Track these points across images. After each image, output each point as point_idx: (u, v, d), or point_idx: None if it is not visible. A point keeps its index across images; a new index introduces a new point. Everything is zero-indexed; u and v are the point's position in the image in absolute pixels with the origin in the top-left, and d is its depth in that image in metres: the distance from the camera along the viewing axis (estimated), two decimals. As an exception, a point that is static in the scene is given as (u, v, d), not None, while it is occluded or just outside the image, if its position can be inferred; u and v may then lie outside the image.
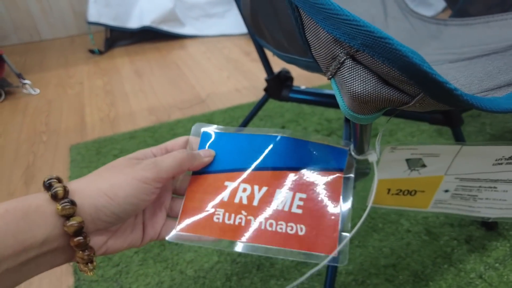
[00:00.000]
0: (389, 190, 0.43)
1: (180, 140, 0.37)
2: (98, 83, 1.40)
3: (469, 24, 0.64)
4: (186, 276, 0.65)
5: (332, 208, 0.36)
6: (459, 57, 0.55)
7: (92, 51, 1.65)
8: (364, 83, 0.20)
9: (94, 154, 0.97)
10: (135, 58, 1.60)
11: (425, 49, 0.63)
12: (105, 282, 0.64)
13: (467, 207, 0.43)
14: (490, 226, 0.73)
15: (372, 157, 0.38)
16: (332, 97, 0.68)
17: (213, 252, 0.68)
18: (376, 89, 0.20)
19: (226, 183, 0.37)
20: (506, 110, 0.19)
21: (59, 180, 0.27)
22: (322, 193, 0.37)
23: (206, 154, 0.37)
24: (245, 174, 0.37)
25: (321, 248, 0.34)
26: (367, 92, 0.20)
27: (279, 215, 0.35)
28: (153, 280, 0.64)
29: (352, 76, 0.20)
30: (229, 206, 0.35)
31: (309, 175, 0.37)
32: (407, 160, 0.39)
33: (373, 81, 0.20)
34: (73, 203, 0.25)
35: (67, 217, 0.25)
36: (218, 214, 0.35)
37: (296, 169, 0.38)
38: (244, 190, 0.36)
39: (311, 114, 1.10)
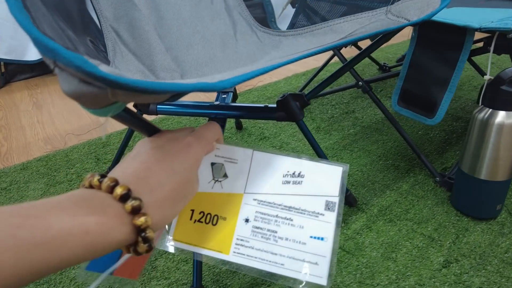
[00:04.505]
0: (192, 212, 0.39)
1: None
2: (-8, 119, 1.35)
3: (300, 34, 0.75)
4: (68, 293, 0.66)
5: None
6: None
7: (-15, 88, 1.58)
8: (69, 83, 0.26)
9: (-19, 190, 0.94)
10: (36, 91, 1.56)
11: (267, 57, 0.73)
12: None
13: (270, 254, 0.37)
14: (350, 203, 0.84)
15: None
16: (196, 107, 0.75)
17: (97, 266, 0.71)
18: (79, 87, 0.26)
19: None
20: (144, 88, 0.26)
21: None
22: None
23: None
24: None
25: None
26: (72, 90, 0.26)
27: None
28: (33, 303, 0.65)
29: (61, 79, 0.26)
30: None
31: None
32: (212, 165, 0.40)
33: (75, 81, 0.26)
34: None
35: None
36: None
37: None
38: None
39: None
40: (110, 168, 0.92)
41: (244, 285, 0.66)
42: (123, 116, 0.35)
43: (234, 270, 0.69)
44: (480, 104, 0.72)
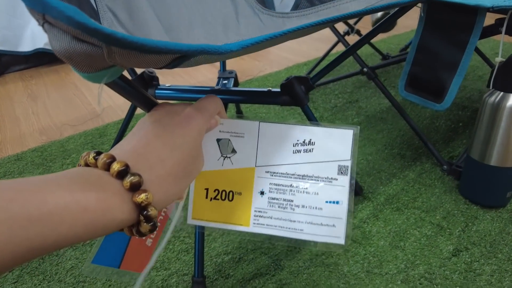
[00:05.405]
0: (207, 191, 0.40)
1: None
2: (-14, 111, 1.31)
3: (304, 15, 0.72)
4: (65, 284, 0.64)
5: None
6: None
7: (-21, 79, 1.54)
8: (60, 41, 0.23)
9: (-26, 181, 0.91)
10: (30, 82, 1.53)
11: (270, 40, 0.70)
12: (-27, 306, 0.61)
13: (288, 221, 0.38)
14: (356, 192, 0.82)
15: None
16: (196, 91, 0.72)
17: (94, 257, 0.68)
18: (71, 45, 0.23)
19: None
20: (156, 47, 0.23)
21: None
22: None
23: None
24: None
25: None
26: (63, 48, 0.23)
27: None
28: (28, 295, 0.62)
29: (51, 37, 0.24)
30: None
31: None
32: (218, 142, 0.39)
33: (67, 39, 0.23)
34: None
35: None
36: None
37: None
38: None
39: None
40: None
41: (247, 275, 0.64)
42: (120, 84, 0.32)
43: (256, 240, 0.67)
44: (491, 87, 0.70)
